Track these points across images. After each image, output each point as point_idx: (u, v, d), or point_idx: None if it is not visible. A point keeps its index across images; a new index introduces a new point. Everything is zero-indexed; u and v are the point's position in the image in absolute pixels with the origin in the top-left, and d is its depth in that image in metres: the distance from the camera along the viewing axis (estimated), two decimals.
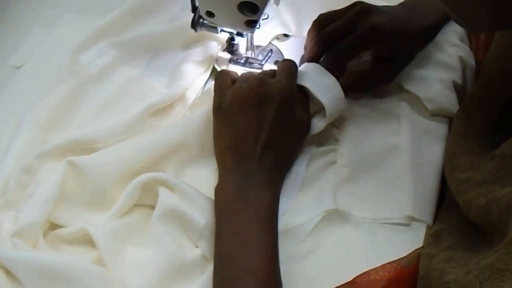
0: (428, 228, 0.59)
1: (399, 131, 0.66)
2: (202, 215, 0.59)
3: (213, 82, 0.66)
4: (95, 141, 0.66)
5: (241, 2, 0.61)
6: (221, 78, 0.65)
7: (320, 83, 0.64)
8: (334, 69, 0.67)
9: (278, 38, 0.79)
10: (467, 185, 0.51)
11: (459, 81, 0.70)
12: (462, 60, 0.71)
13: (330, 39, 0.67)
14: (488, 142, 0.54)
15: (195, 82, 0.75)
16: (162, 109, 0.71)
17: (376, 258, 0.57)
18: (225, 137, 0.61)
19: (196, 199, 0.61)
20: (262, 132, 0.60)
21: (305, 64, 0.68)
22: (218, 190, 0.59)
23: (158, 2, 0.83)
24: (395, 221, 0.60)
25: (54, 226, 0.62)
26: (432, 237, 0.56)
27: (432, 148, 0.65)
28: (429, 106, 0.67)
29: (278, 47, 0.78)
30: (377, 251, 0.58)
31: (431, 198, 0.61)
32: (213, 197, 0.60)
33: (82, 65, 0.75)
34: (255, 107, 0.60)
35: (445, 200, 0.61)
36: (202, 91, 0.74)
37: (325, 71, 0.65)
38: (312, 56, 0.68)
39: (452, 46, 0.72)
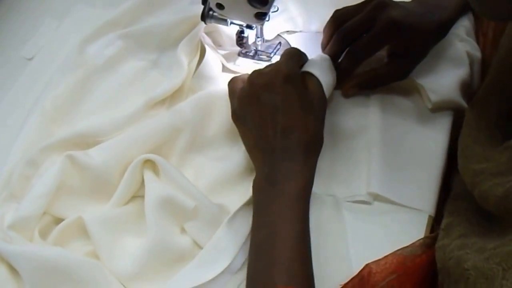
0: (431, 218, 0.60)
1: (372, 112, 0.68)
2: (191, 199, 0.60)
3: (202, 66, 0.68)
4: (99, 135, 0.67)
5: None
6: (231, 85, 0.65)
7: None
8: (354, 67, 0.68)
9: (287, 31, 0.79)
10: (483, 176, 0.50)
11: (466, 76, 0.70)
12: (469, 55, 0.71)
13: (349, 37, 0.67)
14: (501, 133, 0.54)
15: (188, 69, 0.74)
16: (163, 100, 0.72)
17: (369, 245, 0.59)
18: (249, 139, 0.62)
19: (182, 183, 0.61)
20: (276, 118, 0.59)
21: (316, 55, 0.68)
22: (253, 185, 0.60)
23: None
24: (356, 198, 0.62)
25: (55, 220, 0.63)
26: (444, 230, 0.56)
27: (426, 135, 0.67)
28: (433, 97, 0.67)
29: (287, 40, 0.78)
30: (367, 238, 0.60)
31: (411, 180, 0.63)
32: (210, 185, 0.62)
33: (89, 56, 0.76)
34: (261, 98, 0.60)
35: (452, 193, 0.60)
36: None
37: (330, 66, 0.66)
38: (332, 55, 0.68)
39: (460, 41, 0.72)
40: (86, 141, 0.67)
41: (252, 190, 0.59)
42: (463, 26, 0.74)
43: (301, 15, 0.79)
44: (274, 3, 0.64)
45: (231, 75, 0.73)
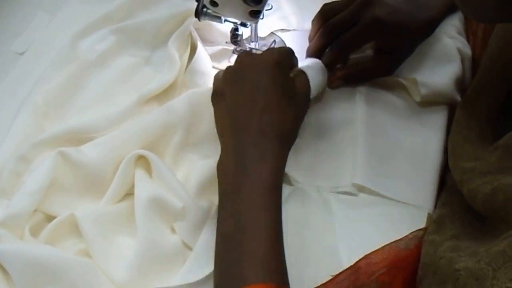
0: (429, 216, 0.60)
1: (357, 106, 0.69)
2: (179, 199, 0.59)
3: (195, 61, 0.68)
4: (92, 131, 0.66)
5: None
6: (216, 74, 0.65)
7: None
8: (337, 60, 0.68)
9: (281, 30, 0.79)
10: (472, 174, 0.51)
11: (458, 70, 0.70)
12: (460, 52, 0.72)
13: (334, 31, 0.68)
14: (492, 131, 0.55)
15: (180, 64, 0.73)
16: (156, 96, 0.71)
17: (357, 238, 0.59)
18: (223, 118, 0.59)
19: (172, 183, 0.61)
20: (257, 98, 0.57)
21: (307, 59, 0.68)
22: (218, 167, 0.56)
23: None
24: (341, 189, 0.62)
25: (47, 218, 0.62)
26: (436, 223, 0.56)
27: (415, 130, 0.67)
28: (423, 90, 0.67)
29: (281, 38, 0.78)
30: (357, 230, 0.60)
31: (395, 170, 0.64)
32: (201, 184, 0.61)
33: (81, 51, 0.75)
34: (246, 76, 0.59)
35: (446, 185, 0.61)
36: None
37: (321, 68, 0.67)
38: (317, 48, 0.69)
39: (450, 38, 0.72)
40: (79, 137, 0.66)
41: (217, 173, 0.56)
42: (453, 25, 0.74)
43: (295, 13, 0.80)
44: (268, 1, 0.64)
45: None
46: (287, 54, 0.62)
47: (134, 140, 0.64)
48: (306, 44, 0.73)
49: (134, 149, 0.63)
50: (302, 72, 0.63)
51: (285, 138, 0.58)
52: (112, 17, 0.79)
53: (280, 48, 0.65)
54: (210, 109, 0.62)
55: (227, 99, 0.59)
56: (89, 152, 0.63)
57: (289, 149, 0.59)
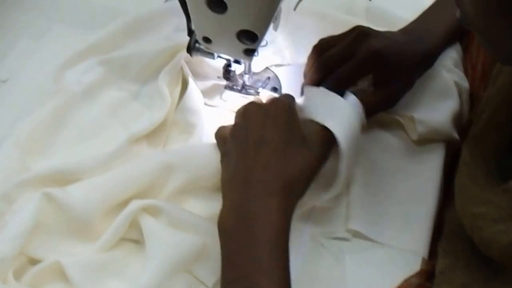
0: (423, 260, 0.60)
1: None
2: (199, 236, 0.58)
3: (186, 97, 0.66)
4: (78, 172, 0.63)
5: (240, 31, 0.59)
6: (220, 131, 0.62)
7: (324, 105, 0.60)
8: None
9: (276, 65, 0.77)
10: (484, 221, 0.49)
11: (456, 106, 0.68)
12: (457, 85, 0.70)
13: (329, 65, 0.65)
14: (499, 170, 0.53)
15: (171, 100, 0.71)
16: (147, 135, 0.68)
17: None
18: (228, 173, 0.57)
19: (188, 221, 0.59)
20: (260, 149, 0.54)
21: (306, 89, 0.65)
22: (220, 225, 0.52)
23: (152, 21, 0.79)
24: (335, 235, 0.61)
25: (31, 260, 0.59)
26: (442, 274, 0.54)
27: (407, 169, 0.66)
28: (420, 128, 0.65)
29: (276, 73, 0.76)
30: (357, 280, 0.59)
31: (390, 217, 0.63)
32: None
33: (66, 82, 0.72)
34: (251, 130, 0.56)
35: (446, 230, 0.60)
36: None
37: (328, 92, 0.62)
38: (312, 83, 0.66)
39: (447, 72, 0.71)
40: (65, 178, 0.63)
41: (218, 233, 0.52)
42: (451, 58, 0.73)
43: (289, 47, 0.77)
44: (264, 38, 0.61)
45: (216, 109, 0.71)
46: (291, 101, 0.60)
47: (128, 184, 0.61)
48: (300, 79, 0.71)
49: (127, 193, 0.61)
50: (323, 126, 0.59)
51: (292, 190, 0.54)
52: (100, 47, 0.76)
53: (284, 95, 0.61)
54: (215, 160, 0.61)
55: (232, 156, 0.56)
56: (76, 194, 0.60)
57: (297, 200, 0.55)
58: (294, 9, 0.77)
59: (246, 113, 0.58)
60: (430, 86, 0.70)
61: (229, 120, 0.61)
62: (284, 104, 0.58)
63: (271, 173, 0.53)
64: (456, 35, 0.73)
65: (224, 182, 0.56)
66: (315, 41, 0.69)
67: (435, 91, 0.69)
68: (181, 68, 0.73)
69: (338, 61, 0.65)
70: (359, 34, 0.65)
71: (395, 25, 0.72)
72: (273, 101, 0.59)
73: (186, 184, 0.63)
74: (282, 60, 0.77)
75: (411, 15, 0.73)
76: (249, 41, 0.60)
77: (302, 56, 0.76)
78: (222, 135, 0.61)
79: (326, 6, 0.79)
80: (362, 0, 0.83)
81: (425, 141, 0.67)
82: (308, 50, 0.71)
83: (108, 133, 0.69)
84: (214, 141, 0.63)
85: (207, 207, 0.63)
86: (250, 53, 0.63)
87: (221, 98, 0.74)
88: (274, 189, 0.52)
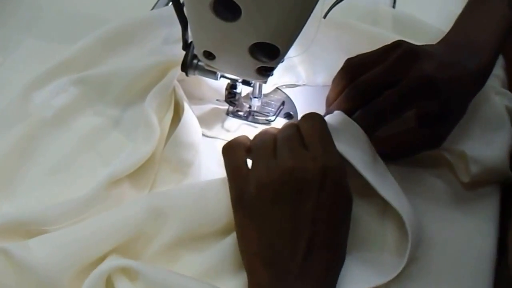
0: None
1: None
2: None
3: (180, 127, 0.55)
4: (43, 223, 0.52)
5: (255, 44, 0.46)
6: (231, 156, 0.49)
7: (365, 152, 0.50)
8: (369, 133, 0.53)
9: (288, 85, 0.64)
10: None
11: (509, 139, 0.58)
12: (508, 110, 0.61)
13: (367, 92, 0.54)
14: None
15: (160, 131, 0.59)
16: (130, 175, 0.56)
17: None
18: (252, 239, 0.46)
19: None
20: (302, 232, 0.45)
21: (332, 119, 0.53)
22: None
23: (136, 32, 0.67)
24: None
25: None
26: None
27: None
28: (473, 168, 0.55)
29: (289, 95, 0.63)
30: None
31: None
32: None
33: (35, 106, 0.61)
34: (291, 198, 0.45)
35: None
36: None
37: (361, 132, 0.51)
38: None
39: (496, 95, 0.61)
40: (26, 228, 0.52)
41: None
42: (496, 76, 0.64)
43: (304, 64, 0.65)
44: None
45: (216, 142, 0.59)
46: (337, 154, 0.48)
47: (106, 239, 0.49)
48: (318, 103, 0.59)
49: (103, 250, 0.49)
50: None
51: (336, 272, 0.46)
52: (74, 64, 0.64)
53: (327, 147, 0.48)
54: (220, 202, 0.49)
55: (261, 223, 0.46)
56: (39, 252, 0.49)
57: (338, 275, 0.47)
58: (324, 16, 0.64)
59: (282, 168, 0.46)
60: (478, 113, 0.59)
61: None
62: (322, 161, 0.46)
63: (313, 260, 0.45)
64: (502, 45, 0.61)
65: (249, 251, 0.46)
66: (336, 56, 0.58)
67: (484, 120, 0.59)
68: (173, 90, 0.61)
69: (379, 88, 0.53)
70: (406, 53, 0.53)
71: (426, 34, 0.64)
72: (316, 155, 0.47)
73: (180, 235, 0.51)
74: (297, 79, 0.65)
75: (439, 21, 0.66)
76: (266, 57, 0.48)
77: (320, 75, 0.65)
78: (239, 167, 0.49)
79: (347, 14, 0.68)
80: (386, 6, 0.72)
81: (476, 184, 0.57)
82: (328, 67, 0.62)
83: (82, 172, 0.58)
84: (218, 176, 0.52)
85: (204, 261, 0.51)
86: (265, 72, 0.50)
87: (222, 127, 0.61)
88: (314, 278, 0.44)
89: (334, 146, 0.48)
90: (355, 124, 0.52)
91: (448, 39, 0.59)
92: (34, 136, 0.59)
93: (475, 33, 0.59)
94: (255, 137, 0.51)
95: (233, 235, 0.50)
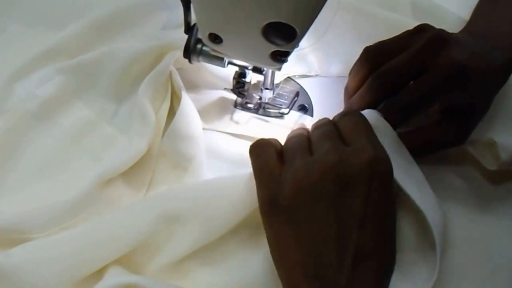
0: None
1: None
2: None
3: (178, 117, 0.51)
4: (28, 230, 0.47)
5: (269, 24, 0.40)
6: (261, 154, 0.44)
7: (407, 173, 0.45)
8: (400, 126, 0.48)
9: (299, 76, 0.59)
10: None
11: None
12: None
13: (391, 83, 0.48)
14: None
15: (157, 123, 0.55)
16: (125, 173, 0.51)
17: None
18: (290, 249, 0.41)
19: None
20: (350, 237, 0.40)
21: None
22: None
23: (131, 17, 0.62)
24: None
25: None
26: None
27: None
28: (503, 155, 0.50)
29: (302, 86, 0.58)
30: None
31: None
32: None
33: (18, 98, 0.56)
34: (335, 197, 0.40)
35: None
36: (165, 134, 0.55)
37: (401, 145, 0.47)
38: (366, 107, 0.49)
39: None
40: (9, 236, 0.47)
41: None
42: None
43: (316, 53, 0.59)
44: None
45: (222, 135, 0.53)
46: (382, 149, 0.42)
47: (104, 249, 0.44)
48: (332, 95, 0.55)
49: (100, 263, 0.44)
50: None
51: (387, 278, 0.42)
52: (62, 51, 0.59)
53: (372, 142, 0.43)
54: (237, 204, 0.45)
55: (298, 224, 0.41)
56: (22, 263, 0.44)
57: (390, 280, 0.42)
58: None
59: (324, 166, 0.41)
60: (503, 101, 0.54)
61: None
62: (367, 156, 0.41)
63: (364, 269, 0.40)
64: None
65: (286, 259, 0.41)
66: (352, 44, 0.54)
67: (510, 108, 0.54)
68: (170, 77, 0.56)
69: (404, 76, 0.48)
70: (433, 39, 0.48)
71: (446, 22, 0.59)
72: (373, 141, 0.42)
73: (197, 244, 0.46)
74: (308, 69, 0.59)
75: (459, 8, 0.62)
76: (282, 39, 0.42)
77: (334, 65, 0.59)
78: (270, 166, 0.43)
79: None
80: None
81: (504, 175, 0.52)
82: (344, 56, 0.57)
83: (71, 170, 0.53)
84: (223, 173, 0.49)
85: (221, 278, 0.46)
86: (280, 57, 0.45)
87: (231, 119, 0.55)
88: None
89: (378, 141, 0.43)
90: (388, 125, 0.47)
91: (471, 30, 0.55)
92: (16, 131, 0.54)
93: (499, 24, 0.55)
94: (286, 140, 0.45)
95: (259, 245, 0.44)
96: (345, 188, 0.40)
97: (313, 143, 0.43)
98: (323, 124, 0.45)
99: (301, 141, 0.44)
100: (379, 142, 0.42)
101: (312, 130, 0.45)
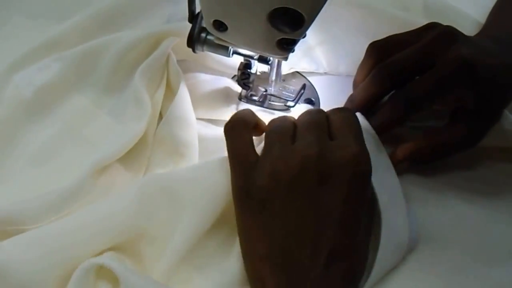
0: None
1: None
2: None
3: (175, 103, 0.50)
4: (22, 222, 0.45)
5: (276, 10, 0.38)
6: (235, 137, 0.42)
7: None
8: (399, 122, 0.47)
9: (306, 72, 0.57)
10: None
11: None
12: None
13: (397, 74, 0.47)
14: None
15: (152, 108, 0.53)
16: (120, 159, 0.50)
17: None
18: (261, 241, 0.39)
19: None
20: (325, 234, 0.37)
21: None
22: None
23: (134, 9, 0.61)
24: None
25: None
26: None
27: None
28: None
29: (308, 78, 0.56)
30: None
31: None
32: None
33: (15, 87, 0.55)
34: (313, 191, 0.38)
35: None
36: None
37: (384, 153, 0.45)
38: (367, 101, 0.48)
39: None
40: (4, 227, 0.45)
41: None
42: None
43: (325, 48, 0.57)
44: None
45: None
46: (366, 149, 0.41)
47: (93, 239, 0.42)
48: (345, 96, 0.51)
49: (92, 251, 0.42)
50: None
51: (357, 280, 0.40)
52: (62, 43, 0.58)
53: (357, 140, 0.41)
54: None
55: (274, 221, 0.39)
56: (15, 254, 0.42)
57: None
58: None
59: (305, 159, 0.39)
60: None
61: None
62: (349, 152, 0.39)
63: (335, 270, 0.38)
64: None
65: (253, 258, 0.39)
66: (361, 42, 0.51)
67: None
68: (167, 62, 0.54)
69: (410, 70, 0.46)
70: (442, 34, 0.47)
71: (461, 26, 0.54)
72: (359, 140, 0.41)
73: (199, 227, 0.43)
74: (316, 66, 0.57)
75: (475, 10, 0.61)
76: (288, 26, 0.40)
77: (344, 63, 0.57)
78: (244, 150, 0.41)
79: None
80: None
81: None
82: (353, 55, 0.54)
83: (67, 159, 0.51)
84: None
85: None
86: (286, 45, 0.42)
87: (237, 108, 0.54)
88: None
89: (363, 141, 0.41)
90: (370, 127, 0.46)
91: (487, 32, 0.54)
92: (12, 120, 0.53)
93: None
94: (271, 121, 0.43)
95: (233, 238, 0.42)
96: (323, 182, 0.38)
97: (299, 129, 0.41)
98: (314, 112, 0.43)
99: (285, 125, 0.42)
100: (364, 143, 0.40)
101: (302, 114, 0.44)
